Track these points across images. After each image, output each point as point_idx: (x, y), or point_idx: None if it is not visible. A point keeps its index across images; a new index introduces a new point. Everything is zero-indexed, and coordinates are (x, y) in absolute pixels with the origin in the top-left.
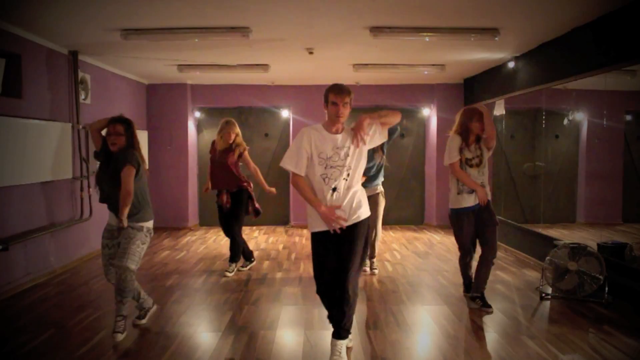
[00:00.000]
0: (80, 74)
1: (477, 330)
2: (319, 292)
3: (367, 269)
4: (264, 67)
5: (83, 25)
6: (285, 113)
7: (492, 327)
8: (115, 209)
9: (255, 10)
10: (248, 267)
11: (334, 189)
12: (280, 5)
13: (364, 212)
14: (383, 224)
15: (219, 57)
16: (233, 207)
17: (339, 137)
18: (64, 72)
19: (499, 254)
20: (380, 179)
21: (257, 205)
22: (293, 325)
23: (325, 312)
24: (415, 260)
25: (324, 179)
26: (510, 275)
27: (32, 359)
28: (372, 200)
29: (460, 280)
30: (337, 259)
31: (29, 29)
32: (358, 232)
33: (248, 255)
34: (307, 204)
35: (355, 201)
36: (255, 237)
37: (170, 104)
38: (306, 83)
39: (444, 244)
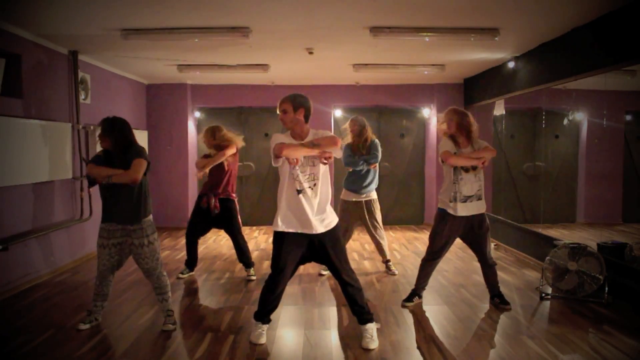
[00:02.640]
0: (80, 74)
1: (477, 330)
2: (271, 284)
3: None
4: (264, 67)
5: (83, 25)
6: None
7: (492, 327)
8: (129, 211)
9: (255, 10)
10: (187, 275)
11: (299, 191)
12: (280, 5)
13: (334, 221)
14: (383, 224)
15: (219, 57)
16: (230, 217)
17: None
18: (64, 72)
19: (499, 254)
20: (374, 184)
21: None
22: (293, 325)
23: (325, 312)
24: (415, 260)
25: (293, 180)
26: (510, 275)
27: (32, 359)
28: (368, 207)
29: (460, 280)
30: (329, 266)
31: (29, 29)
32: (335, 237)
33: (192, 264)
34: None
35: (324, 207)
36: (256, 237)
37: (170, 104)
38: (306, 83)
39: None
